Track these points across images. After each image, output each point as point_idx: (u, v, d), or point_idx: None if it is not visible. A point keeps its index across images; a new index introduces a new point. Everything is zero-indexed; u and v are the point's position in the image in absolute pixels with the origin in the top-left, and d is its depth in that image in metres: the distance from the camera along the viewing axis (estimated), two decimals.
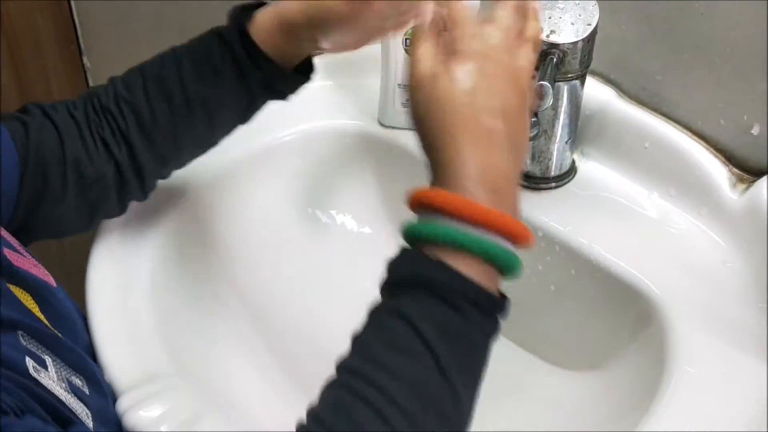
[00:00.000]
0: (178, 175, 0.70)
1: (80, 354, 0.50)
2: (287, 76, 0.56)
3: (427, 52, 0.46)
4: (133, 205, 0.62)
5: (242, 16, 0.55)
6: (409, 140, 0.74)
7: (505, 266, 0.43)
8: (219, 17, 1.04)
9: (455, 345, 0.41)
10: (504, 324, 0.72)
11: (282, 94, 0.58)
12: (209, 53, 0.55)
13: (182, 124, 0.56)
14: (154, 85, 0.56)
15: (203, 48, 0.56)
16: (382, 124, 0.76)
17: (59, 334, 0.49)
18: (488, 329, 0.43)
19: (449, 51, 0.45)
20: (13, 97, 1.31)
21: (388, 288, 0.44)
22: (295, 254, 0.73)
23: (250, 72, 0.55)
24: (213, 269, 0.70)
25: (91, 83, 1.40)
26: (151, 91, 0.56)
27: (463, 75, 0.44)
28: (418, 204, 0.44)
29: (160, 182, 0.62)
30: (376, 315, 0.43)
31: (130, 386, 0.55)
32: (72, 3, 1.30)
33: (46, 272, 0.54)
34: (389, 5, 0.52)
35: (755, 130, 0.62)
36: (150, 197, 0.61)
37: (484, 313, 0.43)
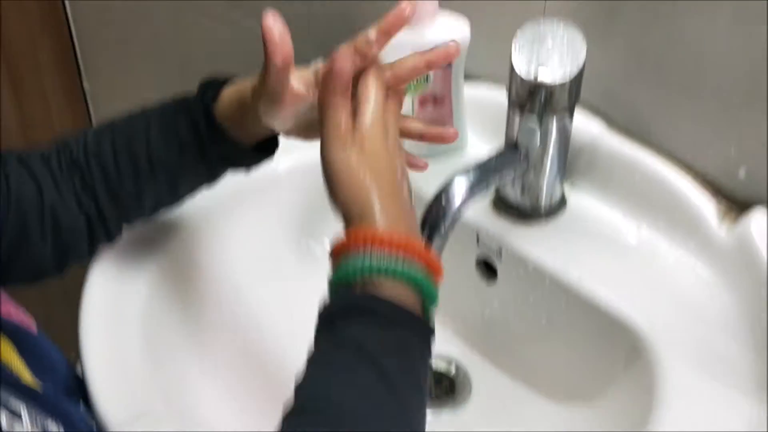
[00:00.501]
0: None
1: (57, 397, 0.51)
2: (247, 153, 0.59)
3: (343, 119, 0.50)
4: (125, 240, 0.63)
5: (210, 91, 0.57)
6: None
7: (428, 295, 0.47)
8: (215, 42, 1.05)
9: (394, 359, 0.45)
10: (496, 355, 0.73)
11: (243, 168, 0.61)
12: (176, 123, 0.57)
13: (146, 185, 0.58)
14: (121, 144, 0.58)
15: (171, 117, 0.58)
16: None
17: (37, 380, 0.50)
18: (423, 344, 0.47)
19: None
20: (13, 120, 1.32)
21: (323, 330, 0.46)
22: (290, 287, 0.74)
23: (211, 147, 0.57)
24: (206, 304, 0.70)
25: (90, 106, 1.40)
26: (118, 150, 0.57)
27: (370, 143, 0.49)
28: (335, 253, 0.48)
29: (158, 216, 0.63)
30: (315, 357, 0.46)
31: (120, 424, 0.55)
32: (72, 26, 1.31)
33: (26, 316, 0.55)
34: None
35: (742, 173, 0.63)
36: (145, 230, 0.63)
37: (419, 330, 0.47)
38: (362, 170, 0.48)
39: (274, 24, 0.50)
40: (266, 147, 0.60)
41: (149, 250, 0.68)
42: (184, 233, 0.70)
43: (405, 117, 0.56)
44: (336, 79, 0.49)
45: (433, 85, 0.71)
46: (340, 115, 0.49)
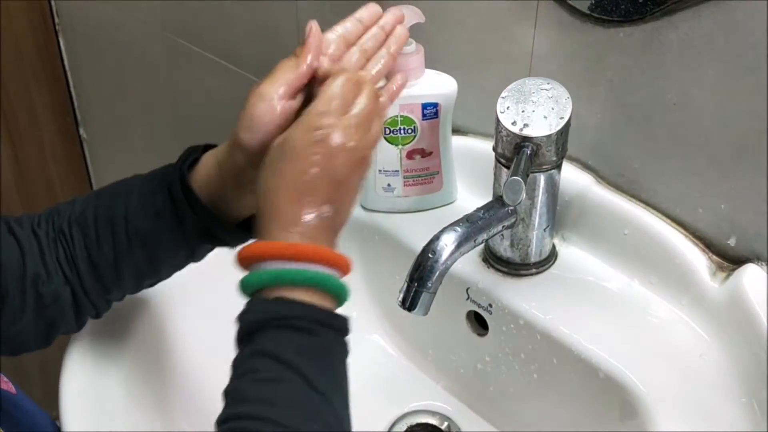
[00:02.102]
0: None
1: None
2: (228, 228, 0.56)
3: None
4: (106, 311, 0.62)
5: (190, 158, 0.56)
6: (392, 224, 0.74)
7: (333, 289, 0.48)
8: (210, 91, 1.05)
9: (316, 361, 0.46)
10: (488, 410, 0.72)
11: (225, 243, 0.57)
12: (153, 191, 0.56)
13: (122, 255, 0.56)
14: (102, 211, 0.56)
15: (151, 184, 0.56)
16: (364, 208, 0.76)
17: None
18: (338, 342, 0.48)
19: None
20: (10, 168, 1.33)
21: (241, 338, 0.47)
22: None
23: (188, 220, 0.55)
24: (189, 370, 0.69)
25: (87, 154, 1.41)
26: (99, 217, 0.56)
27: (288, 142, 0.49)
28: (245, 259, 0.48)
29: None
30: (237, 365, 0.46)
31: None
32: (68, 75, 1.32)
33: (6, 380, 0.53)
34: None
35: (732, 242, 0.62)
36: (125, 298, 0.61)
37: (331, 328, 0.47)
38: (319, 168, 0.48)
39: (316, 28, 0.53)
40: (252, 225, 0.56)
41: (131, 318, 0.66)
42: (164, 300, 0.68)
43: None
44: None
45: (421, 138, 0.71)
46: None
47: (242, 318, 0.47)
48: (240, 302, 0.72)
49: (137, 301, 0.67)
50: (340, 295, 0.48)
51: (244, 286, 0.48)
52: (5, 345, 0.56)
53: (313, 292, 0.47)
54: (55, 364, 0.65)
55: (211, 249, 0.59)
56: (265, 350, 0.45)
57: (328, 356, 0.47)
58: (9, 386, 0.54)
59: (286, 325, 0.46)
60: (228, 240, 0.57)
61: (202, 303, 0.71)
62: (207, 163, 0.56)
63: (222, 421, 0.44)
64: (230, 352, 0.70)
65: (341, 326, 0.48)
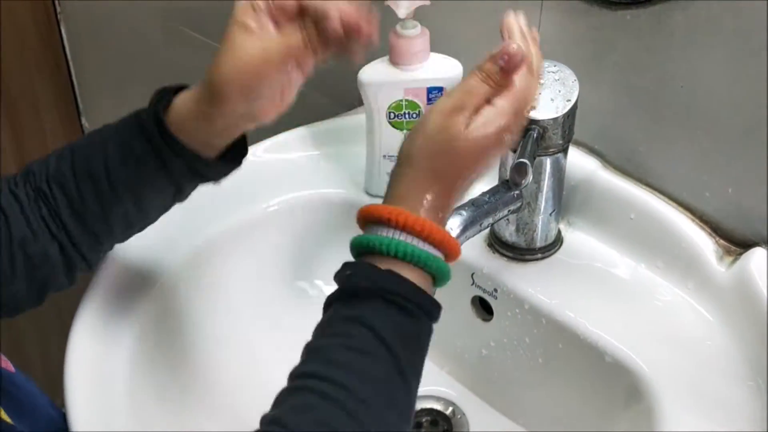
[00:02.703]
0: (157, 251, 0.70)
1: None
2: (209, 163, 0.56)
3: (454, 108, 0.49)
4: (111, 287, 0.62)
5: (162, 100, 0.55)
6: None
7: (440, 277, 0.48)
8: None
9: (410, 348, 0.45)
10: (493, 395, 0.72)
11: (209, 179, 0.57)
12: (131, 140, 0.54)
13: (109, 206, 0.56)
14: (81, 166, 0.55)
15: (126, 133, 0.55)
16: (368, 193, 0.76)
17: (11, 421, 0.49)
18: (430, 331, 0.47)
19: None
20: (11, 159, 1.32)
21: (338, 298, 0.46)
22: (282, 328, 0.72)
23: (170, 159, 0.54)
24: (195, 353, 0.69)
25: None
26: (78, 172, 0.55)
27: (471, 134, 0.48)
28: (371, 216, 0.47)
29: (140, 261, 0.61)
30: (330, 324, 0.45)
31: None
32: (70, 64, 1.32)
33: (5, 359, 0.53)
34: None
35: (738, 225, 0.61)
36: (129, 277, 0.61)
37: (430, 317, 0.47)
38: (462, 152, 0.48)
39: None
40: (233, 157, 0.57)
41: (135, 298, 0.66)
42: (168, 282, 0.68)
43: None
44: (505, 67, 0.49)
45: None
46: (482, 88, 0.49)
47: (346, 278, 0.46)
48: (250, 285, 0.73)
49: (143, 279, 0.67)
50: (442, 281, 0.48)
51: (359, 245, 0.47)
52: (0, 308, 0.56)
53: (422, 273, 0.46)
54: (57, 350, 0.65)
55: (196, 186, 0.58)
56: (365, 320, 0.44)
57: (421, 344, 0.46)
58: (8, 365, 0.53)
59: (391, 301, 0.44)
60: (212, 174, 0.57)
61: (208, 282, 0.71)
62: (183, 103, 0.54)
63: (298, 376, 0.43)
64: (238, 332, 0.71)
65: (436, 314, 0.47)
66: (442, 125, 0.48)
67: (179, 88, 0.55)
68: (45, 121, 1.34)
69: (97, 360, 0.62)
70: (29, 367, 1.38)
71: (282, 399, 0.43)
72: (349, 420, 0.41)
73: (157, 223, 0.71)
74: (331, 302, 0.46)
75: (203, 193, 0.73)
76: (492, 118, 0.48)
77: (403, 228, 0.46)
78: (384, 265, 0.45)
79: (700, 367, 0.60)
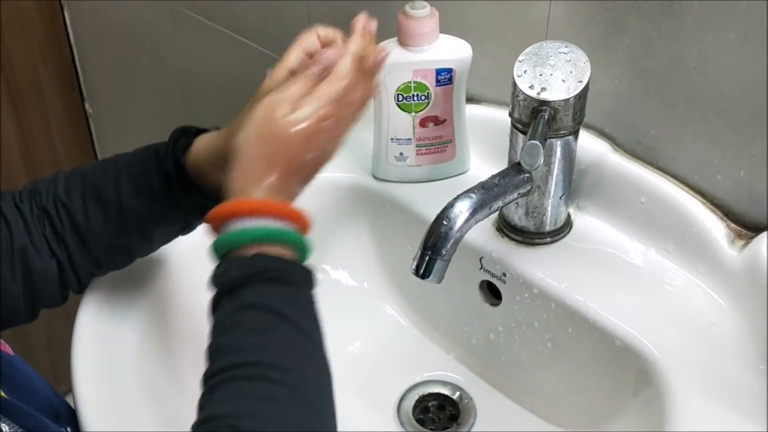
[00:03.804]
0: None
1: (36, 417, 0.50)
2: (218, 203, 0.56)
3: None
4: (120, 272, 0.61)
5: (181, 141, 0.56)
6: (403, 194, 0.74)
7: (298, 247, 0.49)
8: (216, 64, 1.04)
9: (301, 309, 0.47)
10: (501, 380, 0.71)
11: None
12: (147, 173, 0.56)
13: (117, 235, 0.57)
14: (91, 193, 0.57)
15: (142, 166, 0.57)
16: (375, 178, 0.75)
17: (4, 395, 0.49)
18: (313, 293, 0.49)
19: None
20: (15, 144, 1.32)
21: (224, 296, 0.47)
22: None
23: (184, 200, 0.56)
24: (201, 333, 0.68)
25: (93, 129, 1.40)
26: (87, 199, 0.56)
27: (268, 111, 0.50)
28: (215, 219, 0.49)
29: None
30: (220, 322, 0.47)
31: None
32: (74, 50, 1.31)
33: (4, 342, 0.53)
34: None
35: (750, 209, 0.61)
36: (134, 266, 0.61)
37: (308, 281, 0.49)
38: (287, 143, 0.49)
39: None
40: None
41: (138, 286, 0.66)
42: (177, 262, 0.68)
43: None
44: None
45: (435, 105, 0.70)
46: (306, 82, 0.50)
47: (221, 277, 0.47)
48: None
49: (149, 262, 0.66)
50: (305, 252, 0.50)
51: (220, 246, 0.48)
52: None
53: (284, 248, 0.48)
54: (62, 340, 0.65)
55: (201, 222, 0.59)
56: (253, 303, 0.46)
57: (311, 306, 0.48)
58: (7, 348, 0.53)
59: (270, 279, 0.46)
60: None
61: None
62: (201, 149, 0.56)
63: (212, 375, 0.44)
64: None
65: (314, 280, 0.49)
66: (265, 118, 0.49)
67: (200, 131, 0.57)
68: (49, 107, 1.33)
69: (103, 344, 0.62)
70: (34, 354, 1.38)
71: (206, 400, 0.43)
72: (281, 387, 0.43)
73: None
74: (216, 303, 0.48)
75: None
76: (311, 106, 0.50)
77: (250, 213, 0.48)
78: (251, 252, 0.47)
79: (711, 351, 0.59)
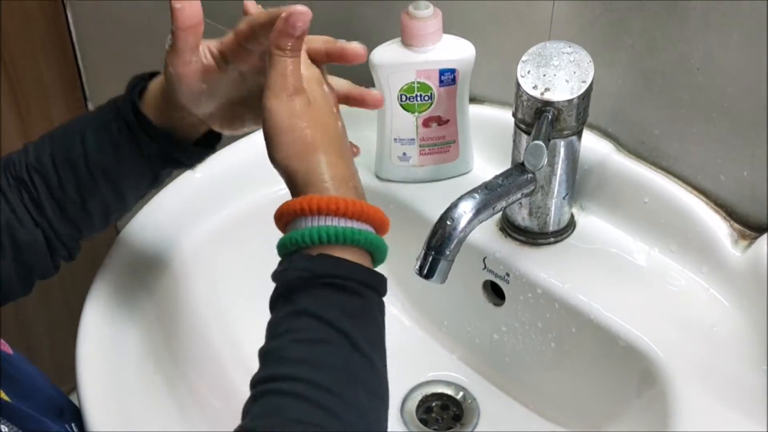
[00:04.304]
0: (168, 234, 0.69)
1: (38, 419, 0.50)
2: (185, 148, 0.57)
3: (290, 67, 0.49)
4: (125, 269, 0.61)
5: (137, 87, 0.56)
6: (406, 194, 0.74)
7: (375, 250, 0.48)
8: None
9: (359, 321, 0.45)
10: (504, 380, 0.72)
11: (184, 164, 0.58)
12: (108, 126, 0.56)
13: (89, 193, 0.57)
14: (60, 155, 0.56)
15: (103, 121, 0.56)
16: (379, 178, 0.75)
17: (10, 400, 0.49)
18: (379, 303, 0.47)
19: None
20: (17, 143, 1.31)
21: (281, 297, 0.46)
22: None
23: (146, 145, 0.55)
24: (207, 332, 0.69)
25: None
26: (57, 160, 0.56)
27: (314, 94, 0.50)
28: (286, 215, 0.47)
29: (150, 246, 0.61)
30: (275, 325, 0.45)
31: None
32: (76, 49, 1.31)
33: (4, 342, 0.53)
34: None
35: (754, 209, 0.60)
36: (140, 262, 0.61)
37: (374, 290, 0.47)
38: (308, 122, 0.48)
39: None
40: (207, 142, 0.58)
41: (143, 284, 0.66)
42: (182, 263, 0.68)
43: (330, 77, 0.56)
44: (290, 31, 0.48)
45: (438, 105, 0.70)
46: (287, 63, 0.48)
47: (281, 276, 0.46)
48: (258, 260, 0.72)
49: (154, 260, 0.67)
50: (379, 253, 0.48)
51: (288, 243, 0.46)
52: None
53: (357, 250, 0.46)
54: (64, 338, 0.65)
55: (171, 173, 0.59)
56: (308, 310, 0.44)
57: (371, 317, 0.46)
58: (6, 347, 0.54)
59: (329, 284, 0.44)
60: (188, 160, 0.58)
61: (221, 263, 0.71)
62: (154, 90, 0.55)
63: (258, 382, 0.43)
64: (248, 312, 0.70)
65: (382, 287, 0.47)
66: (286, 118, 0.48)
67: (153, 74, 0.56)
68: (52, 106, 1.34)
69: (108, 343, 0.62)
70: (37, 352, 1.38)
71: (247, 409, 0.43)
72: (317, 410, 0.41)
73: (168, 206, 0.71)
74: (273, 303, 0.46)
75: (214, 176, 0.74)
76: (300, 80, 0.49)
77: (319, 211, 0.46)
78: (316, 252, 0.45)
79: (714, 351, 0.59)
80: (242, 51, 0.53)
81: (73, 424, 0.57)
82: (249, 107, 0.56)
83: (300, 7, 0.49)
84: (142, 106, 0.55)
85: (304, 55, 0.51)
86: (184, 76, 0.52)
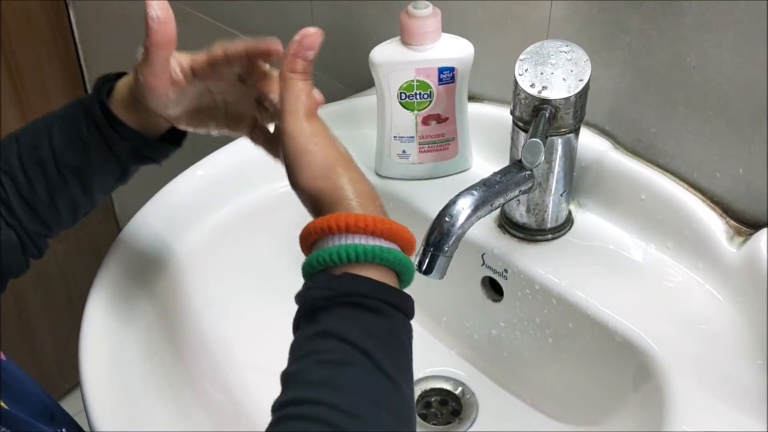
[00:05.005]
0: (169, 231, 0.70)
1: (30, 422, 0.51)
2: (153, 144, 0.58)
3: (305, 92, 0.51)
4: (127, 266, 0.62)
5: (105, 86, 0.57)
6: (406, 191, 0.74)
7: (402, 270, 0.46)
8: None
9: (384, 345, 0.43)
10: (502, 375, 0.72)
11: (152, 160, 0.59)
12: (76, 125, 0.56)
13: (58, 191, 0.57)
14: (27, 155, 0.57)
15: (70, 120, 0.57)
16: (378, 175, 0.76)
17: (5, 406, 0.49)
18: (406, 325, 0.46)
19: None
20: None
21: (304, 317, 0.45)
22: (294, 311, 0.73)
23: (116, 142, 0.56)
24: (206, 334, 0.69)
25: None
26: (25, 161, 0.57)
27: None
28: (314, 234, 0.46)
29: (152, 244, 0.61)
30: (298, 346, 0.44)
31: None
32: (79, 48, 1.32)
33: None
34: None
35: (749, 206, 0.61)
36: (142, 260, 0.61)
37: (400, 309, 0.45)
38: (326, 141, 0.49)
39: (158, 6, 0.52)
40: (174, 138, 0.59)
41: (145, 283, 0.67)
42: (183, 259, 0.69)
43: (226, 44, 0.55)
44: (304, 53, 0.49)
45: (437, 103, 0.71)
46: (303, 86, 0.50)
47: (305, 295, 0.45)
48: (255, 265, 0.73)
49: (156, 259, 0.67)
50: (406, 273, 0.47)
51: (314, 264, 0.45)
52: None
53: (383, 270, 0.45)
54: (66, 337, 0.66)
55: (138, 168, 0.60)
56: (331, 331, 0.43)
57: (396, 337, 0.44)
58: None
59: (353, 303, 0.43)
60: (155, 156, 0.59)
61: (222, 261, 0.72)
62: (123, 90, 0.56)
63: (280, 406, 0.41)
64: (249, 314, 0.71)
65: (409, 308, 0.46)
66: (307, 139, 0.49)
67: (120, 75, 0.57)
68: (54, 105, 1.33)
69: (111, 342, 0.62)
70: (39, 351, 1.39)
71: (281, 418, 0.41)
72: None
73: (169, 203, 0.72)
74: (297, 323, 0.45)
75: (214, 175, 0.74)
76: (308, 101, 0.50)
77: (347, 229, 0.45)
78: (340, 271, 0.44)
79: (710, 346, 0.60)
80: (213, 72, 0.55)
81: (64, 429, 0.57)
82: (213, 116, 0.58)
83: (312, 29, 0.50)
84: (111, 105, 0.56)
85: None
86: (152, 85, 0.53)
